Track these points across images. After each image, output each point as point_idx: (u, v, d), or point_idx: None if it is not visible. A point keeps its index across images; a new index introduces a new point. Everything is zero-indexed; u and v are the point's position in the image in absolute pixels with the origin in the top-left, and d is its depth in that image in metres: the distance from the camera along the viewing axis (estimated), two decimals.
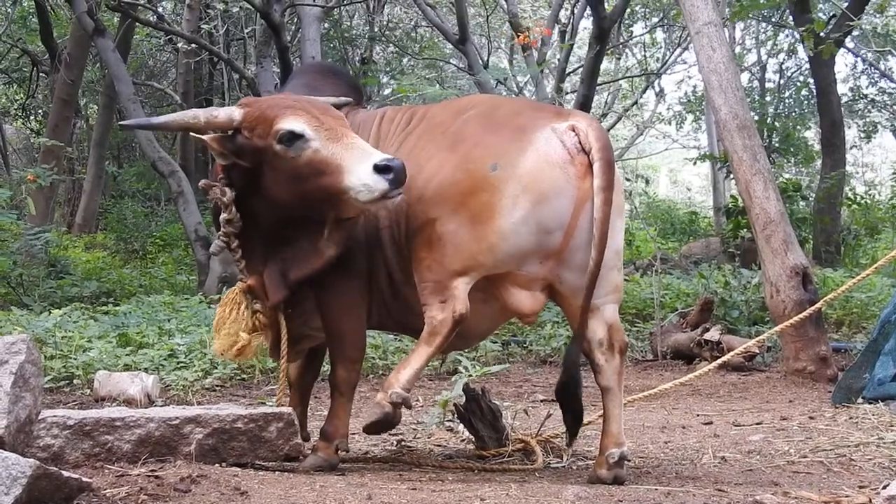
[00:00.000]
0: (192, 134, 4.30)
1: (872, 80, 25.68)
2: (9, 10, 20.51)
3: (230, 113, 4.28)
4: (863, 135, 26.77)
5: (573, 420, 4.35)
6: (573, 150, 4.13)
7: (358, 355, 4.56)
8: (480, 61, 18.24)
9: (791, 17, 18.15)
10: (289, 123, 4.15)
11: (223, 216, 4.36)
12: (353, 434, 5.54)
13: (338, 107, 4.58)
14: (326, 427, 4.51)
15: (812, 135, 25.00)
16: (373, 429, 4.18)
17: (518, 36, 16.42)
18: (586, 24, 21.78)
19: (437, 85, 22.90)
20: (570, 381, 4.27)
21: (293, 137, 4.14)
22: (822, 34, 11.30)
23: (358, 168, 4.02)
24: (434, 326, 4.15)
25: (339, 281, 4.44)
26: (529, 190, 4.07)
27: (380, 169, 3.96)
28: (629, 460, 4.35)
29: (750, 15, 21.89)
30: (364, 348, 4.63)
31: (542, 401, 7.31)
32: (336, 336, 4.54)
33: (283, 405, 4.64)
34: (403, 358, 4.31)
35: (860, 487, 4.11)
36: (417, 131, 4.48)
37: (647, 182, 29.33)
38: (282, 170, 4.19)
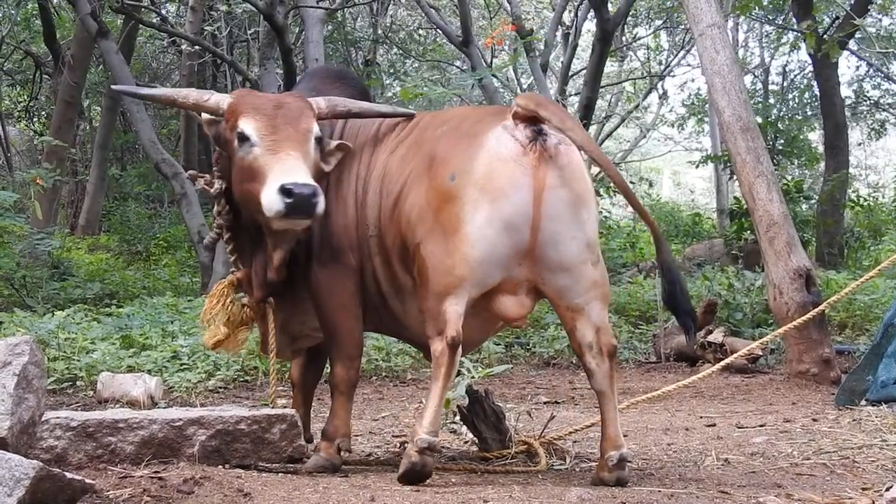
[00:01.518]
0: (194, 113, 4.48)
1: (875, 83, 25.66)
2: (12, 12, 20.52)
3: (219, 100, 4.43)
4: (872, 132, 26.72)
5: (688, 319, 4.32)
6: (525, 142, 4.10)
7: (355, 353, 4.57)
8: (484, 63, 18.24)
9: (795, 20, 18.13)
10: (244, 124, 4.28)
11: (215, 207, 4.46)
12: (357, 435, 5.55)
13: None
14: (327, 427, 4.52)
15: (815, 137, 24.96)
16: (405, 479, 4.08)
17: (520, 37, 16.42)
18: (590, 27, 21.79)
19: (441, 87, 22.88)
20: (672, 285, 4.28)
21: (243, 138, 4.27)
22: (825, 36, 11.29)
23: (272, 184, 4.10)
24: (436, 359, 4.14)
25: (331, 281, 4.50)
26: (486, 190, 4.05)
27: (283, 191, 4.03)
28: (631, 462, 4.35)
29: (753, 16, 21.90)
30: (361, 346, 4.64)
31: (545, 402, 7.32)
32: (332, 335, 4.56)
33: (275, 404, 4.67)
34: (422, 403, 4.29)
35: (863, 489, 4.11)
36: (408, 142, 4.50)
37: (651, 184, 29.34)
38: (235, 166, 4.34)
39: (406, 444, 5.28)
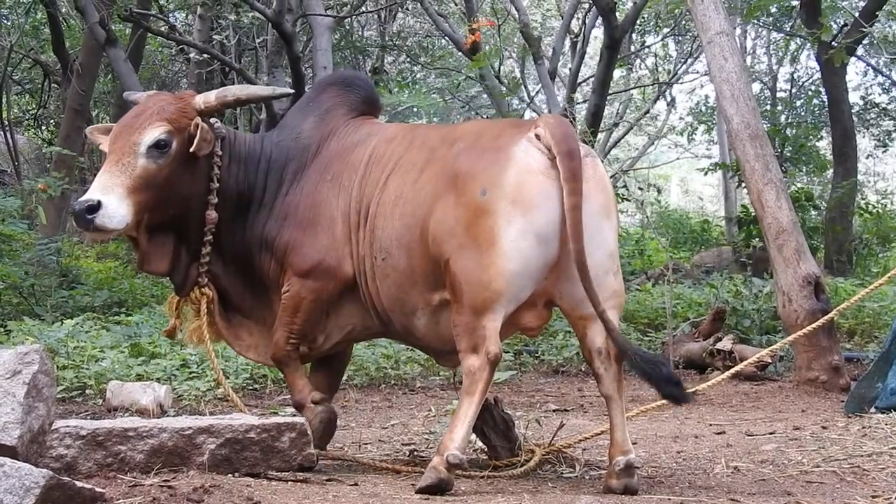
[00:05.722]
0: None
1: (884, 89, 25.57)
2: (21, 20, 20.56)
3: None
4: (878, 143, 26.62)
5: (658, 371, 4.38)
6: (552, 155, 4.15)
7: (301, 329, 4.68)
8: (492, 71, 18.25)
9: (803, 27, 18.11)
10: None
11: None
12: (366, 444, 5.55)
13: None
14: (292, 401, 4.82)
15: (824, 144, 24.90)
16: (426, 491, 4.07)
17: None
18: (598, 33, 21.78)
19: (449, 94, 22.92)
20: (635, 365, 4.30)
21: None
22: (832, 43, 11.27)
23: None
24: (473, 375, 4.13)
25: (311, 291, 4.64)
26: (518, 203, 4.09)
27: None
28: (638, 468, 4.35)
29: (761, 24, 21.88)
30: (310, 334, 4.73)
31: (554, 410, 7.31)
32: (291, 314, 4.68)
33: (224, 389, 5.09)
34: (452, 416, 4.26)
35: (873, 497, 4.11)
36: (417, 163, 4.50)
37: (659, 191, 29.26)
38: None
39: (415, 451, 5.30)
